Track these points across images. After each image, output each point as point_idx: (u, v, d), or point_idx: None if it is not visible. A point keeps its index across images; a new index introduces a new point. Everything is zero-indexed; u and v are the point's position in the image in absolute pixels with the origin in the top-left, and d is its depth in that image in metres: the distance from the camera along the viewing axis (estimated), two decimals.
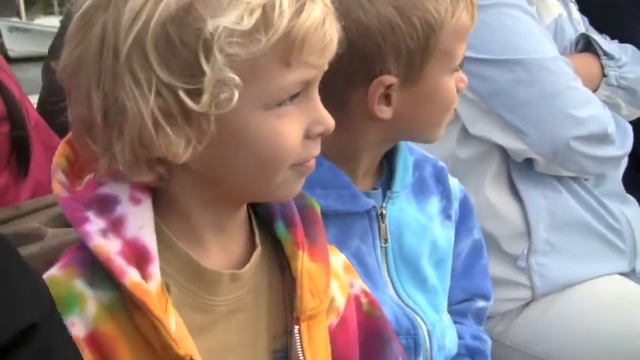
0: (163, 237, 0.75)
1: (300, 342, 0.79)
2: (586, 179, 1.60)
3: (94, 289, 0.73)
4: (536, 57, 1.47)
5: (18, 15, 27.76)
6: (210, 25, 0.67)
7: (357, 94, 0.99)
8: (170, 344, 0.71)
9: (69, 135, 0.79)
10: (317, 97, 0.77)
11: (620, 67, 1.62)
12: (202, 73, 0.68)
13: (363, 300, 0.92)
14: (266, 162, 0.74)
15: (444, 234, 1.12)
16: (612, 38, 1.70)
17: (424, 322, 1.06)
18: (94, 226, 0.73)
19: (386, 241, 1.06)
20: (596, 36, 1.66)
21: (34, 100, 1.39)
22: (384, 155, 1.09)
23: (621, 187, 1.67)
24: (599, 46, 1.63)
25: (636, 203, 1.68)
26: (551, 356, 1.51)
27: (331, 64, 0.77)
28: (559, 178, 1.56)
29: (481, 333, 1.20)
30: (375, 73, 0.97)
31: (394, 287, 1.06)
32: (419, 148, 1.16)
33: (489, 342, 1.21)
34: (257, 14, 0.69)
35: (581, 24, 1.71)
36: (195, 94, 0.69)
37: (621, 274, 1.59)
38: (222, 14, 0.68)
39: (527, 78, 1.45)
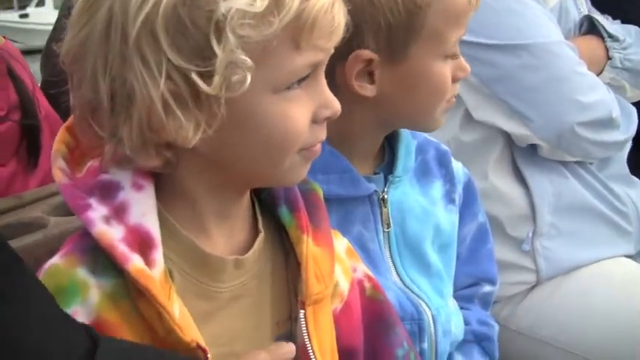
0: (167, 224, 0.75)
1: (306, 326, 0.79)
2: (591, 163, 1.60)
3: (97, 277, 0.72)
4: (543, 41, 1.46)
5: None
6: (222, 7, 0.67)
7: (340, 70, 0.97)
8: (175, 330, 0.70)
9: (68, 121, 0.78)
10: (324, 81, 0.77)
11: (624, 48, 1.61)
12: (214, 55, 0.68)
13: (367, 284, 0.92)
14: (275, 146, 0.74)
15: (447, 218, 1.12)
16: (614, 18, 1.69)
17: (428, 307, 1.05)
18: (97, 212, 0.72)
19: (388, 225, 1.05)
20: (599, 17, 1.64)
21: None
22: (387, 140, 1.09)
23: (626, 169, 1.66)
24: (604, 28, 1.62)
25: None
26: (557, 340, 1.51)
27: None
28: (564, 162, 1.56)
29: (488, 318, 1.20)
30: (352, 47, 0.95)
31: (397, 272, 1.05)
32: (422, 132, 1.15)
33: (496, 327, 1.20)
34: None
35: (584, 4, 1.69)
36: (207, 77, 0.68)
37: (627, 256, 1.59)
38: None
39: (534, 63, 1.44)
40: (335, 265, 0.84)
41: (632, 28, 1.66)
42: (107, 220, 0.72)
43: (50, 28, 1.62)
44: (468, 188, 1.17)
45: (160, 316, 0.70)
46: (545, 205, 1.52)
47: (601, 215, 1.56)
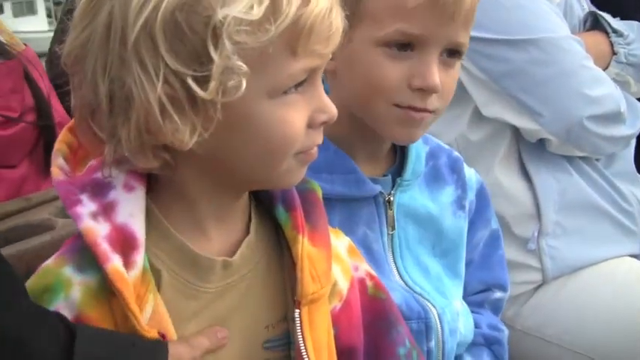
0: (160, 225, 0.76)
1: (301, 326, 0.79)
2: (597, 160, 1.59)
3: (83, 274, 0.73)
4: (551, 36, 1.46)
5: None
6: (220, 14, 0.68)
7: None
8: (141, 333, 0.71)
9: (71, 122, 0.80)
10: (320, 86, 0.77)
11: (628, 44, 1.61)
12: (210, 60, 0.68)
13: (369, 283, 0.92)
14: (272, 149, 0.74)
15: (454, 224, 1.11)
16: (614, 16, 1.69)
17: (434, 306, 1.05)
18: (86, 208, 0.74)
19: (393, 228, 1.05)
20: (602, 14, 1.64)
21: None
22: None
23: (633, 168, 1.66)
24: (608, 23, 1.61)
25: None
26: (562, 339, 1.51)
27: None
28: (570, 160, 1.56)
29: (498, 323, 1.20)
30: None
31: (399, 274, 1.06)
32: (434, 138, 1.15)
33: (506, 332, 1.20)
34: (266, 3, 0.69)
35: (586, 2, 1.69)
36: (203, 82, 0.69)
37: (632, 255, 1.59)
38: (232, 2, 0.68)
39: (542, 57, 1.45)
40: (333, 265, 0.85)
41: (635, 24, 1.66)
42: (94, 216, 0.73)
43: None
44: (481, 195, 1.17)
45: (127, 318, 0.72)
46: (551, 204, 1.52)
47: (606, 214, 1.56)
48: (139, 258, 0.73)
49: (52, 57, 1.58)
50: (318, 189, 0.86)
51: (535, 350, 1.53)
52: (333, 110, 0.77)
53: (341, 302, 0.87)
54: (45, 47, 1.71)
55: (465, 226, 1.13)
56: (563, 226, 1.53)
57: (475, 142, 1.53)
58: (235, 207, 0.81)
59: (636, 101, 1.61)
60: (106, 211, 0.74)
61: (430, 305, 1.05)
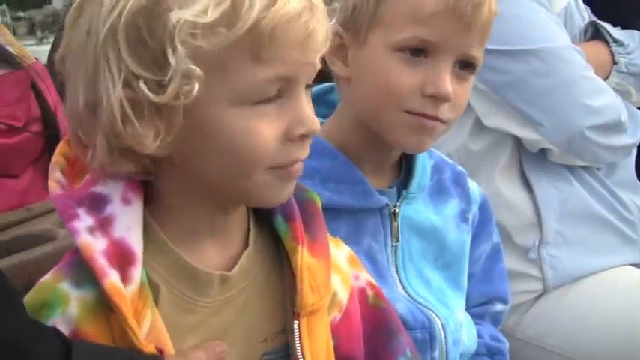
0: (156, 238, 0.76)
1: (300, 338, 0.79)
2: (598, 169, 1.60)
3: (80, 289, 0.73)
4: (551, 46, 1.47)
5: None
6: (173, 17, 0.67)
7: None
8: (139, 348, 0.71)
9: (69, 134, 0.79)
10: (301, 96, 0.74)
11: (628, 53, 1.61)
12: (168, 64, 0.68)
13: (369, 292, 0.92)
14: (237, 160, 0.72)
15: (457, 237, 1.11)
16: (614, 26, 1.69)
17: (437, 316, 1.05)
18: (83, 223, 0.73)
19: (397, 239, 1.05)
20: (602, 23, 1.65)
21: None
22: (405, 157, 1.09)
23: (634, 177, 1.66)
24: (608, 33, 1.62)
25: None
26: (563, 348, 1.51)
27: None
28: (571, 169, 1.56)
29: (499, 335, 1.20)
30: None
31: (402, 285, 1.06)
32: (438, 152, 1.15)
33: (507, 344, 1.20)
34: (224, 6, 0.68)
35: (585, 13, 1.70)
36: (163, 86, 0.69)
37: (633, 264, 1.58)
38: (187, 6, 0.68)
39: (543, 68, 1.45)
40: (333, 275, 0.84)
41: (635, 33, 1.67)
42: (92, 231, 0.72)
43: None
44: (484, 208, 1.17)
45: (125, 333, 0.71)
46: (551, 213, 1.52)
47: (607, 223, 1.56)
48: (137, 272, 0.72)
49: (51, 66, 1.59)
50: (318, 199, 0.86)
51: (536, 359, 1.53)
52: (312, 124, 0.74)
53: (341, 312, 0.87)
54: None
55: (468, 239, 1.13)
56: (564, 236, 1.53)
57: (476, 152, 1.53)
58: (230, 220, 0.80)
59: (637, 110, 1.61)
60: (103, 225, 0.73)
61: (434, 315, 1.05)
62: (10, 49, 1.32)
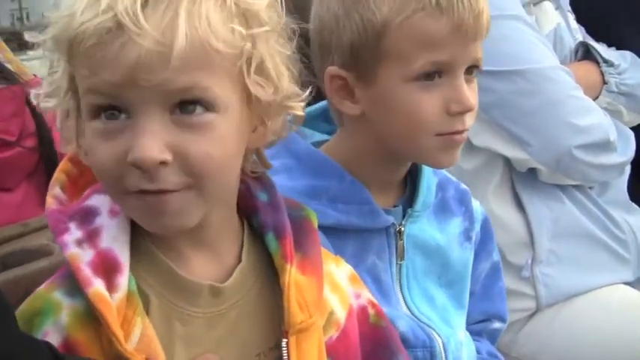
0: (145, 248, 0.76)
1: (288, 356, 0.78)
2: (590, 188, 1.61)
3: (72, 298, 0.73)
4: (537, 67, 1.47)
5: None
6: None
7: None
8: (126, 357, 0.71)
9: (72, 152, 0.80)
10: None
11: (619, 73, 1.63)
12: None
13: (370, 311, 0.92)
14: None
15: (461, 255, 1.12)
16: (609, 46, 1.71)
17: (439, 335, 1.06)
18: (72, 236, 0.74)
19: (402, 258, 1.06)
20: (594, 43, 1.67)
21: None
22: (410, 174, 1.09)
23: (626, 196, 1.67)
24: (599, 53, 1.64)
25: None
26: None
27: None
28: (563, 188, 1.57)
29: (496, 352, 1.21)
30: (325, 64, 0.99)
31: (406, 304, 1.06)
32: (442, 170, 1.15)
33: None
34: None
35: (579, 33, 1.72)
36: None
37: (626, 283, 1.59)
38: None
39: (529, 88, 1.46)
40: (330, 294, 0.84)
41: (628, 53, 1.68)
42: (79, 243, 0.74)
43: None
44: (485, 227, 1.18)
45: (111, 342, 0.71)
46: (544, 232, 1.53)
47: (600, 242, 1.57)
48: (123, 280, 0.73)
49: None
50: (314, 216, 0.86)
51: None
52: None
53: (338, 332, 0.87)
54: None
55: (470, 257, 1.14)
56: (557, 254, 1.53)
57: (468, 172, 1.54)
58: (213, 232, 0.79)
59: (628, 129, 1.62)
60: (91, 237, 0.74)
61: (435, 334, 1.05)
62: (8, 65, 1.34)
